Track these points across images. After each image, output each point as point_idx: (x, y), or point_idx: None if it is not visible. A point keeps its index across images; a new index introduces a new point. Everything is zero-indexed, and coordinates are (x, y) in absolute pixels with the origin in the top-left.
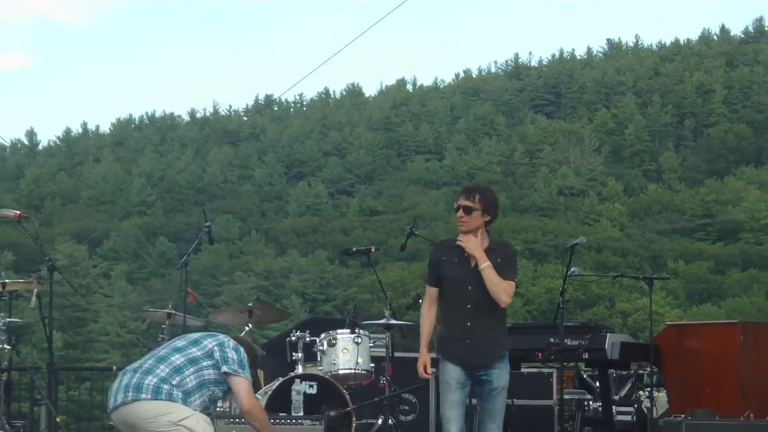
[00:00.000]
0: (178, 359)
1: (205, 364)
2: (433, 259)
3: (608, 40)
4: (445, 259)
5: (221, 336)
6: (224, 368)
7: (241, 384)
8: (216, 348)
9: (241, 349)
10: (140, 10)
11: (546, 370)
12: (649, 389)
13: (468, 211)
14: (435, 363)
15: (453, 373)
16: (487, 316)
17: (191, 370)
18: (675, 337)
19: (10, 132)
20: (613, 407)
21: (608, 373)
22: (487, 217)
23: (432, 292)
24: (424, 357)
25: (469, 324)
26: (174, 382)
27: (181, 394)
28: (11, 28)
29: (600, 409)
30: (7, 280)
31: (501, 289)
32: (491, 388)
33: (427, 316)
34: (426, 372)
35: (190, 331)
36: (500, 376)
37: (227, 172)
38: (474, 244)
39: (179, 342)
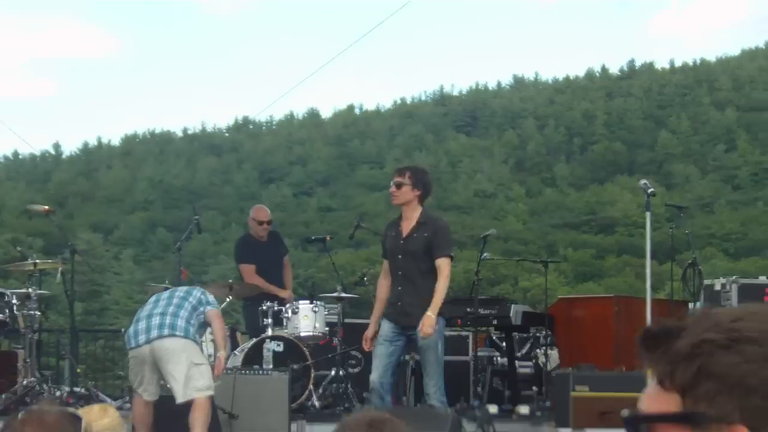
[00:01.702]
0: (188, 305)
1: (201, 309)
2: (383, 235)
3: (514, 75)
4: (387, 235)
5: (196, 288)
6: (209, 307)
7: (215, 312)
8: (201, 295)
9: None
10: (144, 47)
11: (464, 333)
12: (544, 348)
13: (398, 185)
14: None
15: (384, 329)
16: (414, 283)
17: (197, 313)
18: (565, 308)
19: (39, 144)
20: (516, 362)
21: (512, 335)
22: (417, 191)
23: (385, 264)
24: (370, 330)
25: (399, 288)
26: (193, 323)
27: (197, 335)
28: (42, 62)
29: (506, 363)
30: (37, 261)
31: (443, 285)
32: (419, 346)
33: (382, 286)
34: (365, 344)
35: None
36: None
37: (212, 177)
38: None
39: (179, 293)
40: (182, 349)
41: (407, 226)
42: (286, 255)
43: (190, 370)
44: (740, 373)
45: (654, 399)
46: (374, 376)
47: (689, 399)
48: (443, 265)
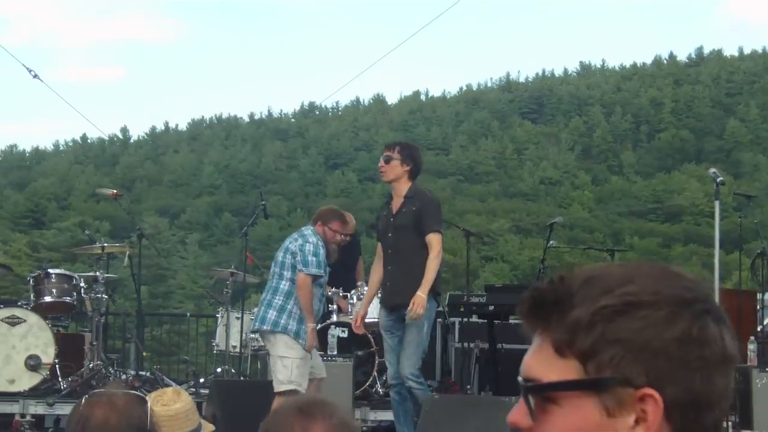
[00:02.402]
0: (282, 287)
1: (287, 274)
2: (376, 217)
3: (581, 62)
4: (380, 215)
5: (292, 249)
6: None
7: (300, 278)
8: (293, 260)
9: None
10: (212, 32)
11: None
12: None
13: (387, 160)
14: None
15: (383, 319)
16: (404, 260)
17: (293, 297)
18: None
19: (108, 128)
20: None
21: None
22: (406, 166)
23: (378, 247)
24: (361, 310)
25: (389, 268)
26: (286, 310)
27: (282, 320)
28: (112, 46)
29: None
30: (105, 244)
31: (434, 262)
32: (405, 324)
33: (375, 271)
34: (355, 324)
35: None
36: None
37: (278, 162)
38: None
39: (275, 272)
40: (270, 342)
41: (397, 203)
42: (359, 258)
43: (275, 363)
44: (644, 337)
45: (550, 366)
46: (392, 371)
47: (592, 365)
48: (433, 241)
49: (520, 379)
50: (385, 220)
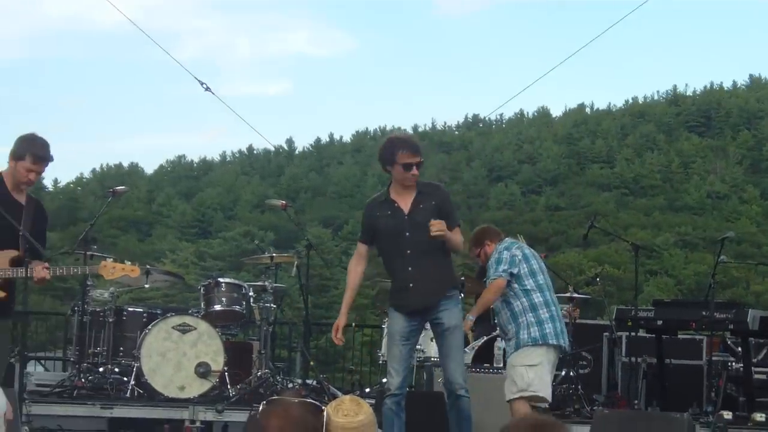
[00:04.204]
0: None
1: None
2: (367, 217)
3: (750, 74)
4: (378, 215)
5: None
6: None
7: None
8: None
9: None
10: (377, 47)
11: (698, 337)
12: None
13: (419, 166)
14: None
15: (398, 325)
16: (429, 258)
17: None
18: None
19: (274, 140)
20: (752, 368)
21: (749, 340)
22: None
23: (362, 249)
24: (340, 320)
25: (410, 269)
26: (516, 321)
27: (524, 334)
28: (279, 61)
29: (741, 369)
30: (274, 254)
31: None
32: (443, 329)
33: (354, 272)
34: (336, 337)
35: None
36: (450, 316)
37: (441, 174)
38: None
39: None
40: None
41: (406, 200)
42: None
43: (509, 372)
44: None
45: None
46: (399, 381)
47: None
48: (460, 235)
49: None
50: (392, 219)
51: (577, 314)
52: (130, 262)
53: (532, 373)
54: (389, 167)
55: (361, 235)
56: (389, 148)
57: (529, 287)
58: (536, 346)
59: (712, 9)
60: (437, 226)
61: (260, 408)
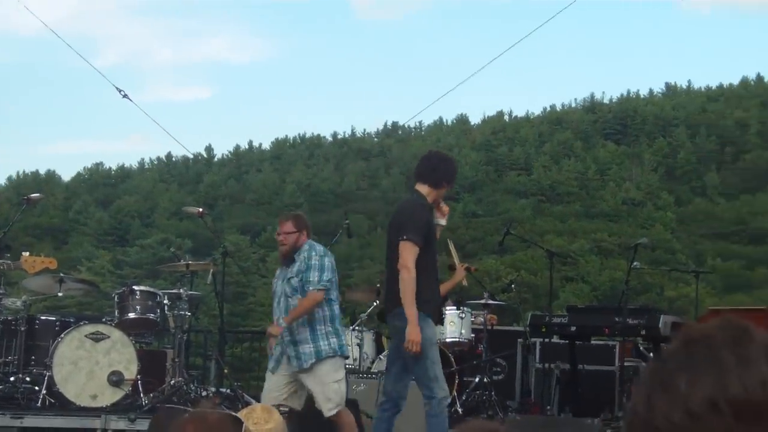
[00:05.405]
0: None
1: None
2: (429, 220)
3: (666, 83)
4: (430, 221)
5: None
6: None
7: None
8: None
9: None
10: (297, 53)
11: (611, 343)
12: None
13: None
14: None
15: (435, 334)
16: (390, 270)
17: None
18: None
19: (194, 147)
20: None
21: (660, 346)
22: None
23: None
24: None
25: (437, 281)
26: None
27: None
28: (198, 68)
29: None
30: (190, 262)
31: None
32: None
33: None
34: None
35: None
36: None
37: (360, 181)
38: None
39: None
40: None
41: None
42: None
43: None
44: None
45: None
46: (388, 384)
47: None
48: (402, 251)
49: None
50: (433, 227)
51: (494, 321)
52: (44, 255)
53: (343, 386)
54: (444, 184)
55: (420, 239)
56: (453, 171)
57: (333, 298)
58: (337, 357)
59: (629, 17)
60: (410, 349)
61: (182, 419)
